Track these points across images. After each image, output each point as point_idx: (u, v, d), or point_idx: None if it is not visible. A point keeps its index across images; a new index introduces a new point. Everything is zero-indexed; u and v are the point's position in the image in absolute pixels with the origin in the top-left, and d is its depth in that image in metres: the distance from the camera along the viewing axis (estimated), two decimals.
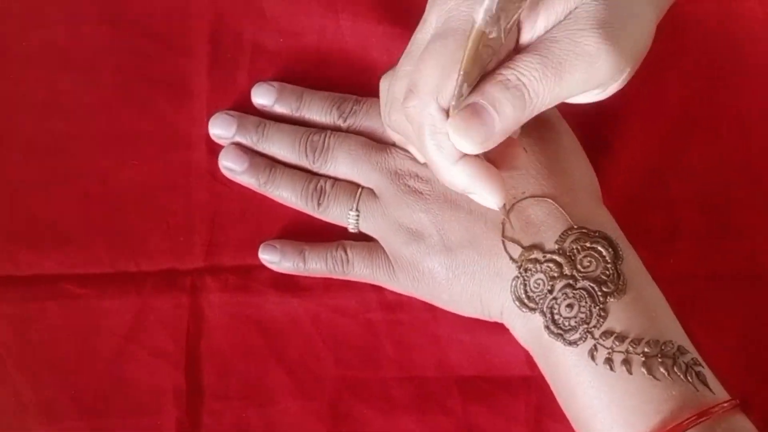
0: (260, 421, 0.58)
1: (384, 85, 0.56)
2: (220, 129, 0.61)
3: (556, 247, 0.53)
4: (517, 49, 0.46)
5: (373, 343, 0.59)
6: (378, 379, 0.59)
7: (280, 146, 0.60)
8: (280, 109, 0.61)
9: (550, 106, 0.46)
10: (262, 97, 0.61)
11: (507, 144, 0.48)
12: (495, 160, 0.49)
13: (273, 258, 0.59)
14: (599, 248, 0.52)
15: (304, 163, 0.60)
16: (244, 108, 0.62)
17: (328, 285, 0.60)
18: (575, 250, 0.53)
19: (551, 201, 0.54)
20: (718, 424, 0.49)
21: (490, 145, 0.46)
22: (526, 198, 0.54)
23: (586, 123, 0.60)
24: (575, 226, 0.53)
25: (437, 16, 0.48)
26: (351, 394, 0.58)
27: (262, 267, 0.60)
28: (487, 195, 0.48)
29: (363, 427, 0.58)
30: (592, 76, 0.45)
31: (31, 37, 0.62)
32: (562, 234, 0.53)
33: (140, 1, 0.63)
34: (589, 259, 0.52)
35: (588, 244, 0.53)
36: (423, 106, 0.47)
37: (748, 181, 0.61)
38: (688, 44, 0.63)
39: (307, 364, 0.59)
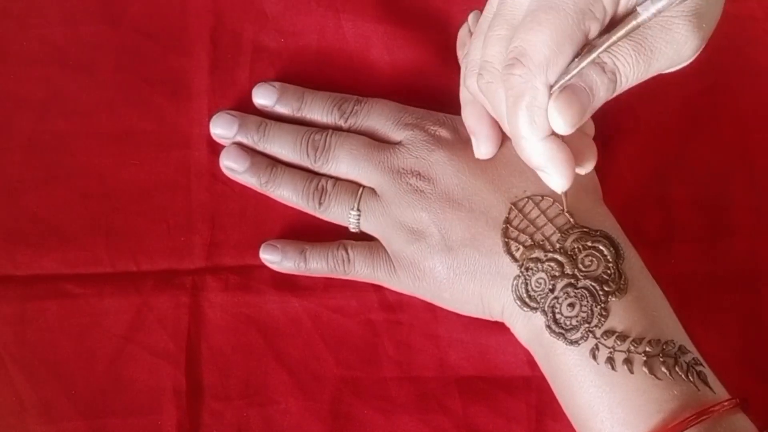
0: (260, 420, 0.58)
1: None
2: (222, 129, 0.61)
3: (558, 246, 0.53)
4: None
5: (373, 343, 0.59)
6: (378, 379, 0.59)
7: (281, 146, 0.60)
8: (281, 109, 0.61)
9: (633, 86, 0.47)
10: (263, 97, 0.61)
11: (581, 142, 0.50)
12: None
13: (274, 258, 0.59)
14: (600, 247, 0.52)
15: (305, 162, 0.60)
16: (245, 108, 0.62)
17: (328, 285, 0.60)
18: (576, 250, 0.53)
19: (552, 200, 0.54)
20: (719, 424, 0.49)
21: (581, 124, 0.46)
22: (527, 197, 0.54)
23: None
24: (576, 225, 0.53)
25: None
26: (351, 393, 0.58)
27: (263, 267, 0.60)
28: (558, 176, 0.48)
29: (363, 427, 0.58)
30: (676, 60, 0.47)
31: (31, 37, 0.62)
32: (564, 233, 0.53)
33: (140, 1, 0.63)
34: (590, 258, 0.52)
35: (589, 244, 0.53)
36: (530, 77, 0.46)
37: (748, 181, 0.61)
38: None
39: (307, 364, 0.59)
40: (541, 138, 0.47)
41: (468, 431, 0.58)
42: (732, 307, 0.60)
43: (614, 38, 0.45)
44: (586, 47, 0.46)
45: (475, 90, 0.53)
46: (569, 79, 0.45)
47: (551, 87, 0.46)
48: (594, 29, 0.45)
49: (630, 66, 0.46)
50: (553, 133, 0.47)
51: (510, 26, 0.48)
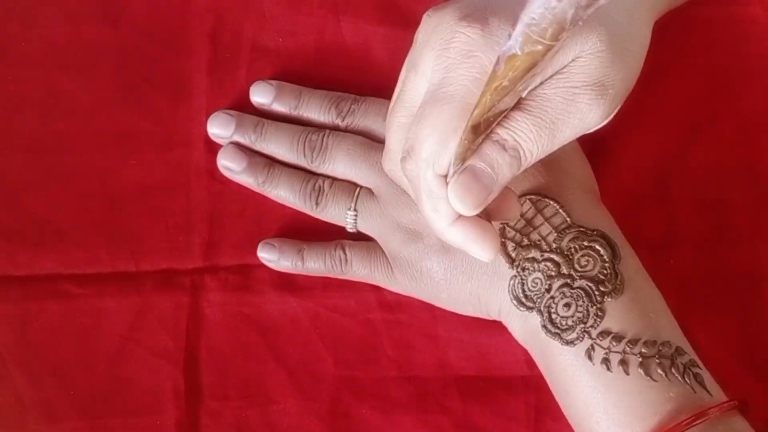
0: (259, 420, 0.58)
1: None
2: (219, 128, 0.61)
3: (554, 246, 0.53)
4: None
5: (372, 342, 0.59)
6: (377, 378, 0.59)
7: (278, 145, 0.60)
8: (279, 107, 0.61)
9: (542, 158, 0.46)
10: (261, 95, 0.61)
11: (503, 197, 0.48)
12: (489, 211, 0.49)
13: (271, 256, 0.59)
14: (597, 247, 0.52)
15: (302, 162, 0.60)
16: (243, 108, 0.62)
17: (327, 284, 0.60)
18: (573, 249, 0.53)
19: (549, 199, 0.54)
20: (716, 426, 0.49)
21: (487, 204, 0.46)
22: (524, 196, 0.54)
23: None
24: (573, 225, 0.53)
25: (433, 69, 0.47)
26: (350, 393, 0.58)
27: (262, 266, 0.60)
28: (480, 251, 0.47)
29: (362, 426, 0.58)
30: (582, 129, 0.46)
31: (32, 37, 0.62)
32: (560, 233, 0.53)
33: (140, 1, 0.63)
34: (586, 258, 0.52)
35: (586, 243, 0.52)
36: (420, 171, 0.46)
37: (748, 182, 0.61)
38: (691, 47, 0.63)
39: (306, 364, 0.59)
40: (448, 224, 0.47)
41: (467, 431, 0.58)
42: (732, 308, 0.59)
43: (469, 122, 0.44)
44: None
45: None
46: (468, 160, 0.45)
47: (446, 176, 0.46)
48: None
49: (532, 141, 0.45)
50: None
51: (409, 113, 0.49)
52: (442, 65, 0.46)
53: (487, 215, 0.48)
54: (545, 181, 0.55)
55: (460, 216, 0.46)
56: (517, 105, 0.45)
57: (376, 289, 0.59)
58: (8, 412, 0.57)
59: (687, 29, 0.63)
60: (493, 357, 0.59)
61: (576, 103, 0.45)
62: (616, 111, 0.47)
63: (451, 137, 0.45)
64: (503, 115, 0.44)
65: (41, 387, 0.57)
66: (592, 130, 0.47)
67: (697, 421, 0.48)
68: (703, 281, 0.60)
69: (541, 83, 0.45)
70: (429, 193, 0.46)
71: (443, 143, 0.45)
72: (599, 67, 0.45)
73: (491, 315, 0.56)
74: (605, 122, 0.47)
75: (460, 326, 0.59)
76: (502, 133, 0.45)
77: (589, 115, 0.45)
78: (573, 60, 0.45)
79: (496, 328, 0.57)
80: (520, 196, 0.54)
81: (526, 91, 0.44)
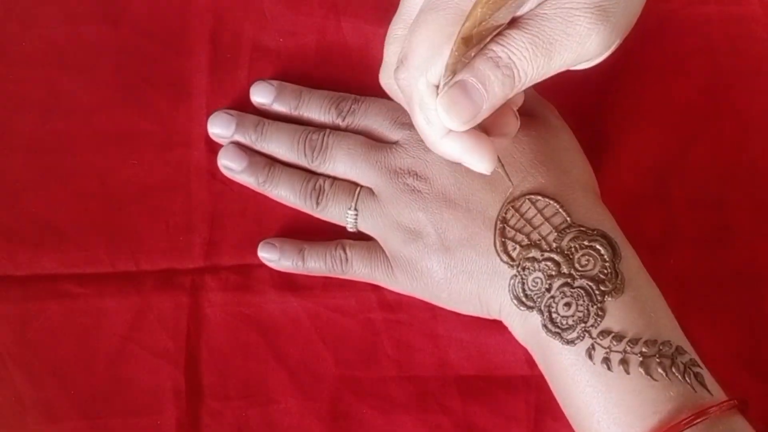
0: (260, 420, 0.58)
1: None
2: (219, 128, 0.61)
3: (554, 245, 0.53)
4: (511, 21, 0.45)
5: (372, 342, 0.59)
6: (378, 378, 0.59)
7: (278, 145, 0.60)
8: (279, 107, 0.61)
9: (537, 82, 0.45)
10: (261, 95, 0.61)
11: (500, 112, 0.47)
12: (486, 126, 0.48)
13: (272, 256, 0.59)
14: (597, 247, 0.52)
15: (302, 162, 0.60)
16: (244, 107, 0.62)
17: (327, 284, 0.60)
18: (573, 249, 0.53)
19: (549, 199, 0.54)
20: (716, 425, 0.49)
21: (477, 122, 0.45)
22: (524, 195, 0.54)
23: (586, 122, 0.60)
24: (573, 225, 0.53)
25: None
26: (351, 393, 0.58)
27: (262, 266, 0.60)
28: (477, 163, 0.47)
29: (363, 426, 0.58)
30: (581, 54, 0.45)
31: (32, 37, 0.62)
32: (560, 232, 0.53)
33: (140, 1, 0.63)
34: (587, 257, 0.52)
35: (586, 243, 0.52)
36: (412, 80, 0.46)
37: (748, 181, 0.61)
38: (690, 47, 0.63)
39: (306, 364, 0.59)
40: (441, 135, 0.46)
41: (467, 430, 0.58)
42: (732, 308, 0.59)
43: (464, 29, 0.43)
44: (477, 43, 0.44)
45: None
46: (459, 74, 0.44)
47: (437, 86, 0.45)
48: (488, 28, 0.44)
49: (527, 60, 0.44)
50: None
51: (405, 25, 0.49)
52: None
53: (483, 131, 0.48)
54: (545, 180, 0.55)
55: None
56: (514, 23, 0.44)
57: (377, 288, 0.59)
58: (8, 411, 0.57)
59: (686, 29, 0.63)
60: (493, 356, 0.59)
61: (575, 24, 0.44)
62: (615, 46, 0.46)
63: (444, 44, 0.44)
64: (497, 31, 0.44)
65: (41, 387, 0.57)
66: (590, 63, 0.47)
67: (697, 420, 0.48)
68: (703, 281, 0.60)
69: (539, 3, 0.44)
70: (421, 103, 0.46)
71: (435, 50, 0.45)
72: None
73: (491, 314, 0.56)
74: (605, 55, 0.46)
75: (460, 326, 0.59)
76: (496, 49, 0.44)
77: (588, 40, 0.44)
78: None
79: (496, 327, 0.57)
80: (520, 197, 0.54)
81: (521, 9, 0.43)
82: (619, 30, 0.45)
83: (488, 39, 0.44)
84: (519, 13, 0.45)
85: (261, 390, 0.58)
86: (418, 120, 0.47)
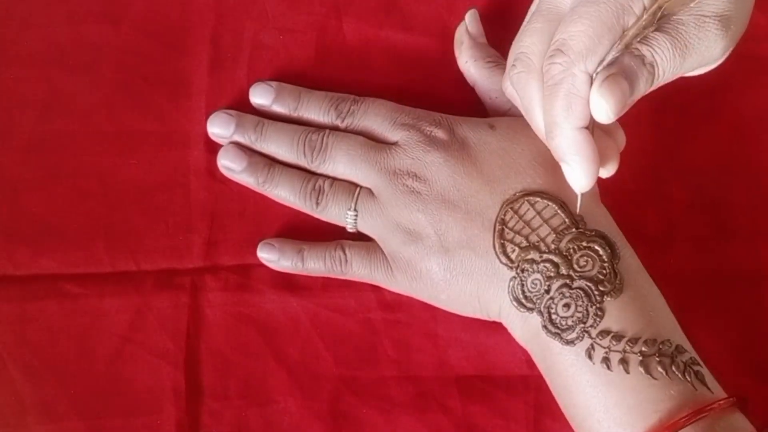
0: (260, 420, 0.58)
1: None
2: (219, 128, 0.61)
3: (553, 246, 0.53)
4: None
5: (372, 342, 0.59)
6: (377, 378, 0.59)
7: (278, 145, 0.60)
8: (278, 108, 0.61)
9: (668, 82, 0.49)
10: (260, 96, 0.61)
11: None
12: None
13: (271, 256, 0.59)
14: (596, 247, 0.52)
15: (302, 162, 0.60)
16: (243, 107, 0.62)
17: (327, 284, 0.60)
18: (572, 250, 0.53)
19: (547, 200, 0.54)
20: (717, 423, 0.49)
21: (619, 115, 0.47)
22: (523, 197, 0.54)
23: None
24: (572, 226, 0.53)
25: None
26: (350, 393, 0.58)
27: (262, 266, 0.60)
28: (582, 171, 0.48)
29: (362, 426, 0.58)
30: (707, 58, 0.48)
31: (32, 36, 0.62)
32: (559, 234, 0.53)
33: (141, 1, 0.63)
34: (585, 258, 0.52)
35: (585, 244, 0.53)
36: (570, 65, 0.47)
37: (747, 180, 0.61)
38: None
39: (306, 364, 0.59)
40: (575, 126, 0.47)
41: (467, 430, 0.58)
42: (732, 307, 0.60)
43: (642, 22, 0.46)
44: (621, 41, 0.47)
45: (508, 85, 0.54)
46: (608, 68, 0.47)
47: (591, 77, 0.47)
48: (631, 23, 0.46)
49: (667, 59, 0.47)
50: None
51: (546, 20, 0.50)
52: None
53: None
54: (543, 182, 0.55)
55: (585, 128, 0.48)
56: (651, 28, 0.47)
57: (376, 288, 0.59)
58: (8, 411, 0.57)
59: None
60: (492, 357, 0.59)
61: (705, 30, 0.47)
62: (731, 50, 0.50)
63: (607, 35, 0.46)
64: (640, 36, 0.47)
65: (41, 387, 0.57)
66: (708, 68, 0.50)
67: (698, 418, 0.48)
68: (702, 280, 0.60)
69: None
70: (570, 88, 0.47)
71: (599, 39, 0.46)
72: (725, 1, 0.47)
73: (491, 316, 0.56)
74: (722, 59, 0.50)
75: (459, 326, 0.59)
76: (641, 48, 0.47)
77: (714, 45, 0.48)
78: None
79: (495, 328, 0.57)
80: (519, 198, 0.54)
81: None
82: (735, 37, 0.49)
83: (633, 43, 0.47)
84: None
85: (261, 390, 0.58)
86: (558, 105, 0.48)
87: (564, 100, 0.47)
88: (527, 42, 0.51)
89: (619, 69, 0.46)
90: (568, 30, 0.47)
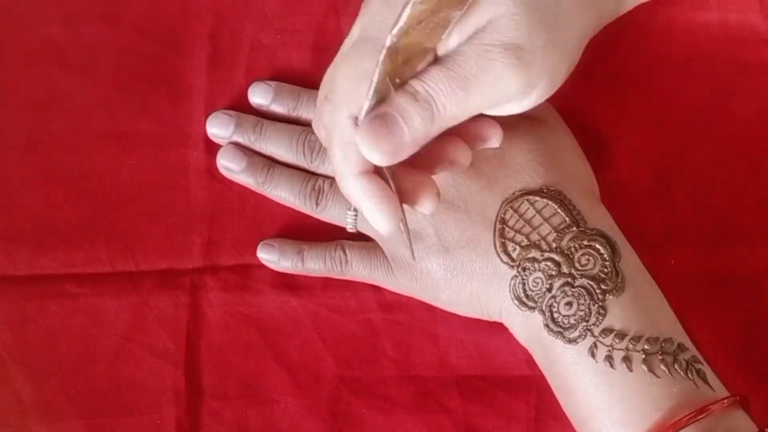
0: (260, 420, 0.58)
1: None
2: (218, 128, 0.61)
3: (554, 245, 0.53)
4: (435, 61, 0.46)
5: (372, 342, 0.59)
6: (377, 378, 0.59)
7: (277, 146, 0.60)
8: (277, 108, 0.61)
9: (461, 120, 0.46)
10: (259, 96, 0.61)
11: (445, 141, 0.49)
12: (433, 157, 0.49)
13: (271, 257, 0.59)
14: (597, 246, 0.52)
15: (301, 162, 0.60)
16: (243, 107, 0.62)
17: (327, 284, 0.60)
18: (573, 249, 0.53)
19: (547, 199, 0.54)
20: (719, 421, 0.49)
21: (401, 157, 0.45)
22: (523, 196, 0.54)
23: (587, 124, 0.60)
24: (572, 225, 0.53)
25: (360, 25, 0.49)
26: (350, 393, 0.58)
27: (262, 266, 0.60)
28: (376, 216, 0.47)
29: (362, 426, 0.58)
30: (500, 93, 0.46)
31: (31, 36, 0.62)
32: (560, 232, 0.53)
33: (140, 1, 0.63)
34: (587, 257, 0.52)
35: (586, 242, 0.53)
36: (335, 112, 0.47)
37: (749, 181, 0.61)
38: (692, 51, 0.63)
39: (306, 364, 0.59)
40: (355, 174, 0.47)
41: (467, 430, 0.58)
42: (733, 309, 0.59)
43: (380, 65, 0.44)
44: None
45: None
46: (377, 109, 0.45)
47: (357, 120, 0.46)
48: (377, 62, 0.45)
49: (445, 94, 0.45)
50: (376, 172, 0.47)
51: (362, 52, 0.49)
52: (365, 18, 0.48)
53: (429, 165, 0.49)
54: (543, 181, 0.55)
55: (367, 173, 0.47)
56: (434, 62, 0.45)
57: (376, 289, 0.59)
58: (8, 411, 0.57)
59: (688, 34, 0.63)
60: (493, 357, 0.59)
61: (489, 61, 0.45)
62: (546, 90, 0.47)
63: (364, 78, 0.45)
64: (424, 60, 0.45)
65: (41, 387, 0.57)
66: (518, 106, 0.48)
67: (700, 417, 0.48)
68: (704, 281, 0.60)
69: (459, 45, 0.46)
70: (341, 136, 0.47)
71: (356, 83, 0.46)
72: (513, 28, 0.45)
73: (492, 316, 0.56)
74: (533, 99, 0.47)
75: (460, 326, 0.59)
76: (415, 84, 0.45)
77: (504, 78, 0.45)
78: (488, 22, 0.45)
79: (496, 327, 0.57)
80: (519, 197, 0.54)
81: (444, 48, 0.45)
82: (541, 72, 0.46)
83: (416, 63, 0.45)
84: (441, 52, 0.46)
85: (261, 390, 0.58)
86: (335, 154, 0.48)
87: (338, 148, 0.47)
88: (320, 93, 0.51)
89: (387, 109, 0.45)
90: (333, 76, 0.47)
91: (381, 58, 0.44)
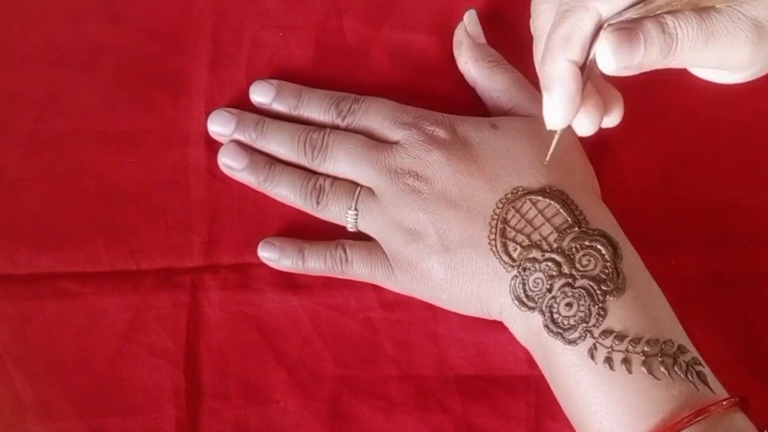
0: (260, 419, 0.58)
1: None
2: (219, 126, 0.60)
3: (555, 246, 0.53)
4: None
5: (372, 341, 0.59)
6: (377, 377, 0.59)
7: (279, 144, 0.60)
8: (279, 107, 0.61)
9: (680, 66, 0.48)
10: (261, 94, 0.61)
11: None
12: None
13: (272, 255, 0.59)
14: (598, 246, 0.52)
15: (303, 161, 0.60)
16: (244, 106, 0.61)
17: (327, 283, 0.60)
18: (574, 249, 0.53)
19: (549, 199, 0.54)
20: (718, 423, 0.49)
21: (622, 73, 0.47)
22: (524, 196, 0.54)
23: None
24: (574, 225, 0.53)
25: None
26: (350, 392, 0.58)
27: (262, 265, 0.60)
28: (558, 103, 0.48)
29: (362, 425, 0.58)
30: (730, 58, 0.47)
31: (32, 36, 0.62)
32: (561, 233, 0.53)
33: (142, 0, 0.63)
34: (588, 257, 0.52)
35: (587, 243, 0.52)
36: (584, 4, 0.47)
37: (750, 182, 0.61)
38: None
39: (306, 363, 0.59)
40: (567, 57, 0.47)
41: (467, 430, 0.58)
42: (733, 309, 0.59)
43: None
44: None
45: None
46: (625, 22, 0.46)
47: (602, 23, 0.46)
48: None
49: (689, 37, 0.46)
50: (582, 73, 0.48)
51: None
52: None
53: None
54: (546, 181, 0.55)
55: (576, 64, 0.47)
56: (686, 4, 0.47)
57: (377, 288, 0.59)
58: (7, 411, 0.57)
59: None
60: (493, 356, 0.59)
61: (737, 28, 0.46)
62: (759, 72, 0.49)
63: None
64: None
65: (40, 386, 0.57)
66: (735, 76, 0.50)
67: (699, 418, 0.48)
68: (706, 283, 0.60)
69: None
70: (576, 21, 0.47)
71: None
72: (764, 9, 0.46)
73: (492, 315, 0.56)
74: (747, 73, 0.49)
75: (460, 325, 0.58)
76: (666, 17, 0.46)
77: (742, 47, 0.46)
78: None
79: (496, 327, 0.57)
80: (521, 197, 0.54)
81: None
82: (764, 56, 0.47)
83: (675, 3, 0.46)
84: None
85: (261, 389, 0.58)
86: (559, 32, 0.47)
87: (566, 29, 0.47)
88: None
89: (635, 26, 0.46)
90: None
91: None
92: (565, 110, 0.48)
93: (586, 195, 0.55)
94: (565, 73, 0.47)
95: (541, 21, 0.51)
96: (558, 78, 0.47)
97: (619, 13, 0.46)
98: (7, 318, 0.58)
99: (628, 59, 0.46)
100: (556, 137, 0.52)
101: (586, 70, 0.48)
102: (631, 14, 0.46)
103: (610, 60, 0.46)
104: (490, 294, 0.55)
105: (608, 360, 0.50)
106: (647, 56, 0.46)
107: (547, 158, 0.53)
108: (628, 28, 0.46)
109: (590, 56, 0.47)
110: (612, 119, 0.51)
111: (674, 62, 0.47)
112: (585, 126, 0.49)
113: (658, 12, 0.46)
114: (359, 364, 0.59)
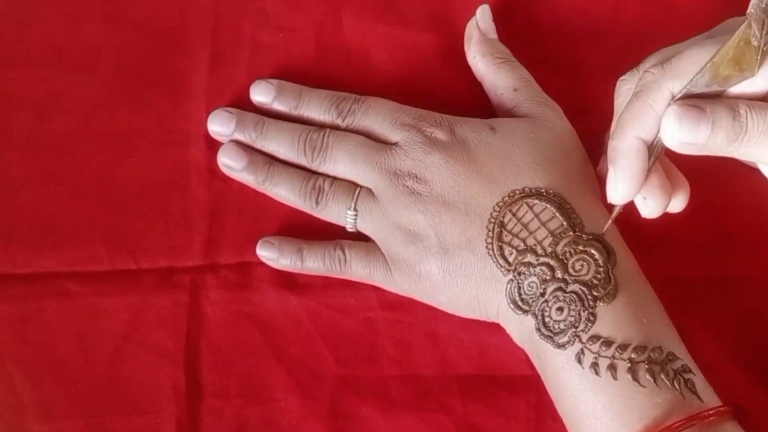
0: (260, 419, 0.58)
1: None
2: (219, 126, 0.60)
3: (549, 250, 0.53)
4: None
5: (372, 341, 0.59)
6: (378, 377, 0.59)
7: (278, 144, 0.60)
8: (279, 107, 0.61)
9: (742, 157, 0.48)
10: (261, 94, 0.61)
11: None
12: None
13: (270, 255, 0.59)
14: (592, 251, 0.52)
15: (302, 161, 0.60)
16: (244, 106, 0.61)
17: (327, 283, 0.60)
18: (568, 254, 0.52)
19: (546, 203, 0.53)
20: None
21: (683, 149, 0.47)
22: (522, 199, 0.54)
23: (589, 123, 0.59)
24: (569, 229, 0.53)
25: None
26: (351, 392, 0.58)
27: (262, 264, 0.60)
28: (621, 178, 0.49)
29: (362, 425, 0.58)
30: None
31: (31, 36, 0.62)
32: (556, 237, 0.53)
33: (141, 1, 0.63)
34: (581, 262, 0.52)
35: (581, 248, 0.52)
36: (660, 78, 0.48)
37: (747, 184, 0.60)
38: None
39: (306, 362, 0.59)
40: (635, 135, 0.48)
41: (467, 430, 0.58)
42: (730, 311, 0.59)
43: (727, 47, 0.46)
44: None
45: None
46: (699, 101, 0.46)
47: (673, 98, 0.47)
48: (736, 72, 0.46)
49: (758, 132, 0.46)
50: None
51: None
52: None
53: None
54: (543, 184, 0.54)
55: (644, 141, 0.49)
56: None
57: (377, 288, 0.59)
58: (7, 411, 0.57)
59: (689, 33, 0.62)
60: (493, 356, 0.58)
61: None
62: None
63: (698, 65, 0.47)
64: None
65: (40, 386, 0.58)
66: None
67: (683, 427, 0.48)
68: (703, 286, 0.59)
69: None
70: (649, 100, 0.48)
71: (689, 63, 0.47)
72: None
73: (489, 317, 0.56)
74: None
75: (460, 325, 0.58)
76: (741, 105, 0.46)
77: None
78: None
79: (496, 327, 0.57)
80: (518, 200, 0.54)
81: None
82: None
83: (732, 80, 0.47)
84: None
85: (261, 388, 0.58)
86: (632, 108, 0.49)
87: (639, 107, 0.48)
88: (648, 61, 0.51)
89: (707, 107, 0.46)
90: (678, 50, 0.48)
91: (731, 41, 0.46)
92: (628, 185, 0.49)
93: (584, 197, 0.55)
94: (632, 149, 0.48)
95: (620, 99, 0.52)
96: (624, 153, 0.48)
97: (690, 83, 0.47)
98: (7, 318, 0.58)
99: (693, 136, 0.46)
100: (616, 210, 0.52)
101: (655, 150, 0.49)
102: (701, 86, 0.46)
103: (674, 132, 0.46)
104: (487, 296, 0.55)
105: (594, 365, 0.50)
106: (711, 140, 0.46)
107: (604, 230, 0.53)
108: (696, 107, 0.46)
109: (658, 135, 0.48)
110: (677, 204, 0.52)
111: (737, 152, 0.47)
112: (650, 208, 0.50)
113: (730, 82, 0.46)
114: (360, 363, 0.59)
